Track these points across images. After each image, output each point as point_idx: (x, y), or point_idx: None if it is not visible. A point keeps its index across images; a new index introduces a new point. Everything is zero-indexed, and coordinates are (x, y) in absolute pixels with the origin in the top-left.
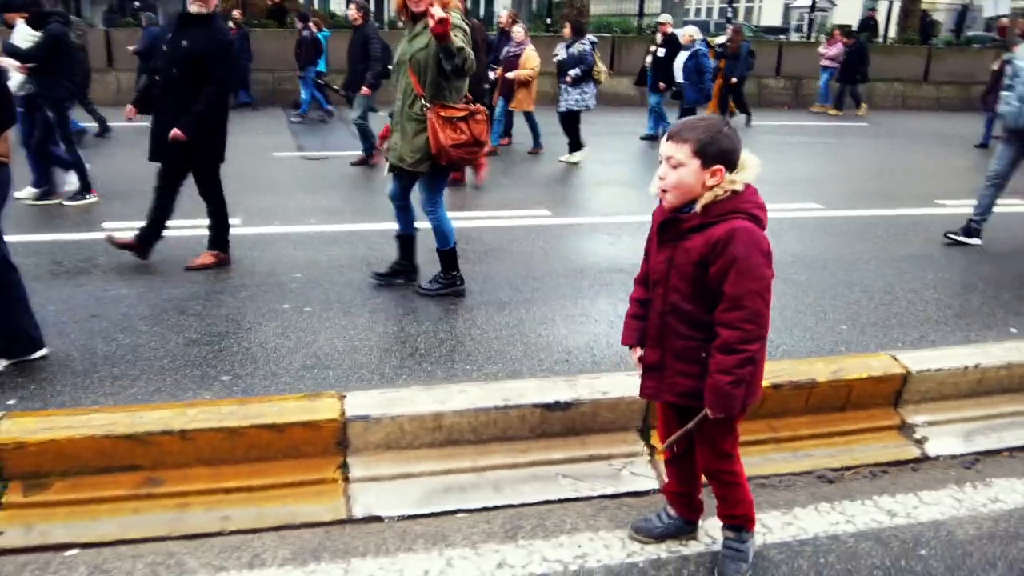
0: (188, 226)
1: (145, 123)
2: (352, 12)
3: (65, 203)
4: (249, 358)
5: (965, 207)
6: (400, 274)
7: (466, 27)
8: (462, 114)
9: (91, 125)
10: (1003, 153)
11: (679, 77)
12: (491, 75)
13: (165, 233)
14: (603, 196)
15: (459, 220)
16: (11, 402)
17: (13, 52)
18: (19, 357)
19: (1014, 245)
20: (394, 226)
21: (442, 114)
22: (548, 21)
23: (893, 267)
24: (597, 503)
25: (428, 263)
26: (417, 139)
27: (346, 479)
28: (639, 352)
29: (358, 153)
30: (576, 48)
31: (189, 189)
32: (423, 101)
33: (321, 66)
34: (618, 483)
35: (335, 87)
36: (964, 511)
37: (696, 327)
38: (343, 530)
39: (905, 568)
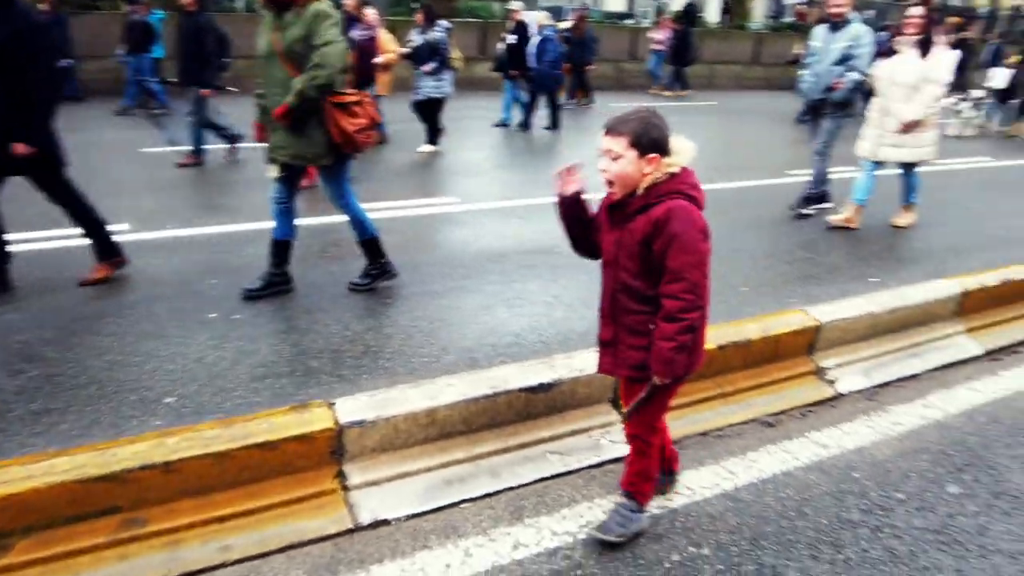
0: (58, 237)
1: None
2: None
3: None
4: (188, 375)
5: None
6: (276, 285)
7: (336, 17)
8: (354, 99)
9: None
10: (812, 128)
11: (532, 63)
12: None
13: (12, 249)
14: (503, 181)
15: (371, 212)
16: None
17: None
18: None
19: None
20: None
21: (336, 102)
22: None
23: (767, 233)
24: (586, 474)
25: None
26: (316, 132)
27: (345, 488)
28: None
29: (240, 145)
30: (430, 35)
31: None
32: None
33: (158, 52)
34: (600, 452)
35: (172, 80)
36: (878, 436)
37: (644, 302)
38: (352, 539)
39: (847, 490)
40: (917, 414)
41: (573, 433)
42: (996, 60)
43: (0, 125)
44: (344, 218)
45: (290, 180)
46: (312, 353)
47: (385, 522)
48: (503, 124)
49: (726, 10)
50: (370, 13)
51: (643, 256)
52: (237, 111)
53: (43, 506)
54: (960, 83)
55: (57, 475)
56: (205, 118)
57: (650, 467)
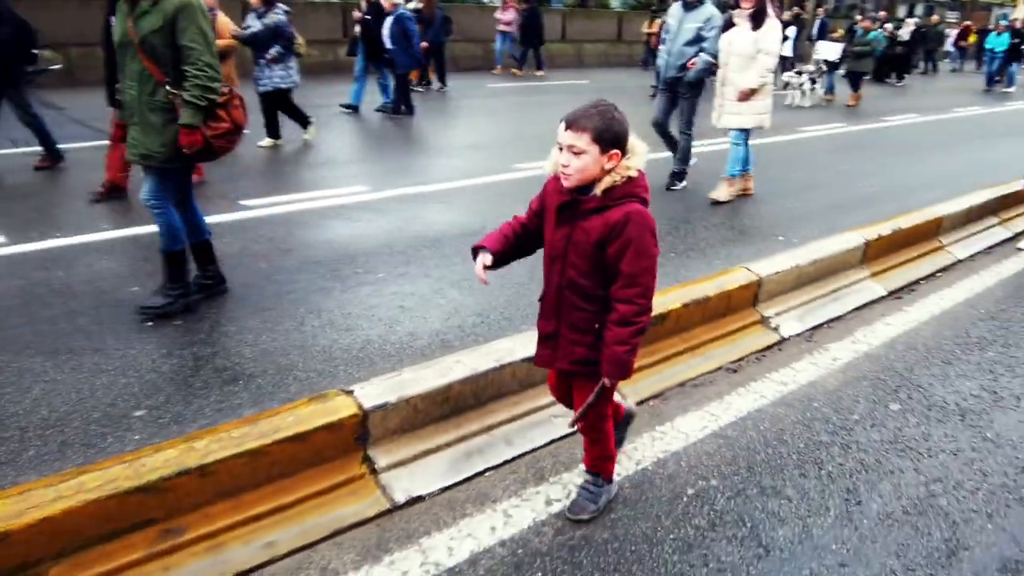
0: None
1: None
2: None
3: None
4: (151, 386)
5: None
6: (209, 287)
7: (204, 8)
8: (221, 100)
9: None
10: (658, 102)
11: (388, 44)
12: None
13: None
14: (416, 165)
15: (280, 206)
16: None
17: None
18: None
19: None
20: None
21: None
22: None
23: (671, 204)
24: None
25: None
26: (168, 130)
27: (374, 471)
28: (488, 260)
29: (79, 146)
30: (269, 19)
31: None
32: (167, 87)
33: None
34: None
35: None
36: (823, 371)
37: (591, 300)
38: (393, 518)
39: (812, 418)
40: (849, 349)
41: None
42: (823, 33)
43: None
44: (264, 215)
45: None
46: (279, 352)
47: (420, 498)
48: (352, 107)
49: None
50: None
51: (595, 256)
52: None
53: (75, 527)
54: (797, 56)
55: (89, 492)
56: (29, 114)
57: (607, 448)
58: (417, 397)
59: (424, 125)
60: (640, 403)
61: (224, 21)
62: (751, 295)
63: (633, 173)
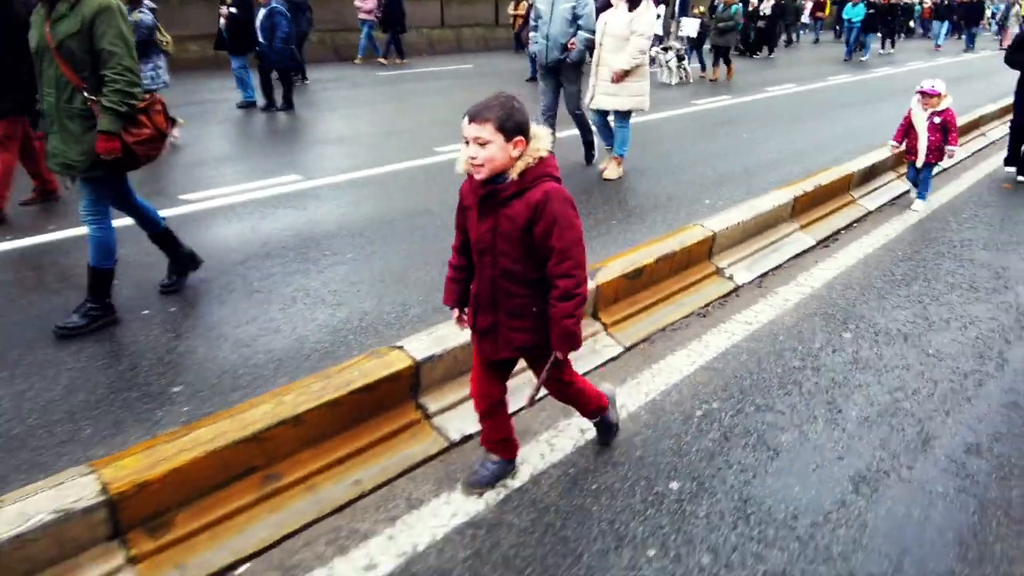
0: None
1: None
2: None
3: None
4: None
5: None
6: (184, 271)
7: (124, 10)
8: (141, 106)
9: None
10: (543, 89)
11: (260, 38)
12: None
13: None
14: (339, 153)
15: (220, 199)
16: None
17: None
18: None
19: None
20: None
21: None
22: None
23: (599, 180)
24: (595, 373)
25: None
26: (87, 137)
27: (427, 416)
28: (457, 313)
29: None
30: (134, 16)
31: None
32: (85, 94)
33: None
34: (599, 355)
35: None
36: (779, 310)
37: (526, 285)
38: (452, 454)
39: (780, 349)
40: (796, 291)
41: None
42: (685, 10)
43: None
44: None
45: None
46: (287, 329)
47: (470, 436)
48: (248, 104)
49: None
50: None
51: (524, 241)
52: None
53: (196, 476)
54: (665, 33)
55: (206, 444)
56: None
57: (588, 397)
58: (456, 348)
59: (325, 116)
60: (631, 347)
61: None
62: (707, 249)
63: (543, 154)
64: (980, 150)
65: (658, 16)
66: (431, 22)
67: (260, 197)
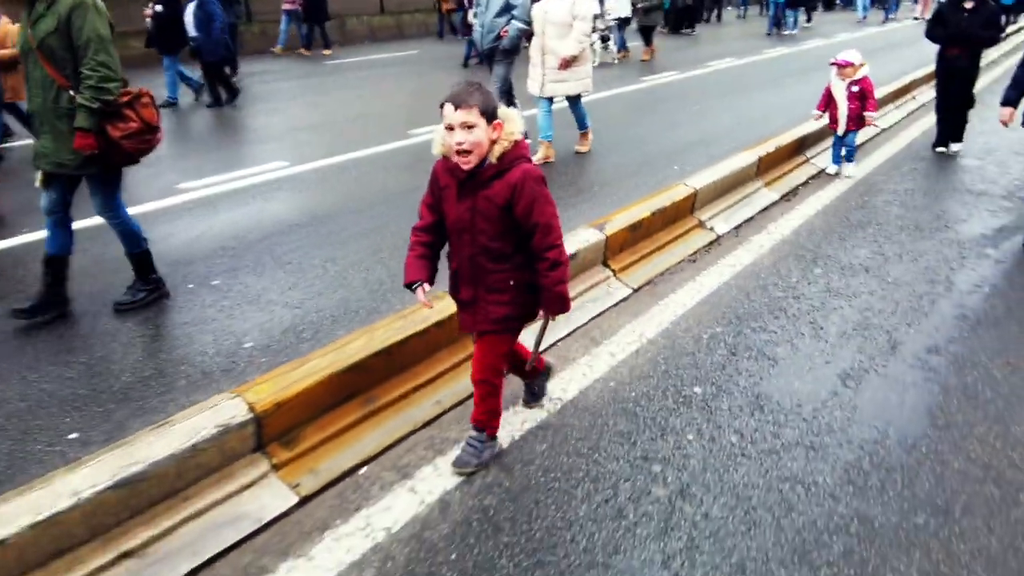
0: None
1: None
2: None
3: None
4: (266, 331)
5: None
6: (51, 306)
7: (100, 6)
8: (125, 99)
9: None
10: (496, 72)
11: (192, 31)
12: None
13: None
14: (317, 140)
15: (216, 186)
16: None
17: None
18: None
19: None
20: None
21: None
22: None
23: (573, 154)
24: (614, 309)
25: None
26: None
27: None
28: (426, 288)
29: None
30: None
31: None
32: (71, 92)
33: None
34: (612, 296)
35: None
36: (756, 254)
37: (504, 260)
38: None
39: (763, 283)
40: (769, 238)
41: (591, 287)
42: None
43: None
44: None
45: (62, 189)
46: (330, 291)
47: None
48: (171, 103)
49: None
50: None
51: (503, 219)
52: None
53: (317, 397)
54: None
55: (322, 372)
56: None
57: (497, 403)
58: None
59: (289, 106)
60: (638, 289)
61: (11, 29)
62: (690, 204)
63: (518, 136)
64: (913, 112)
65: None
66: (371, 9)
67: (253, 183)
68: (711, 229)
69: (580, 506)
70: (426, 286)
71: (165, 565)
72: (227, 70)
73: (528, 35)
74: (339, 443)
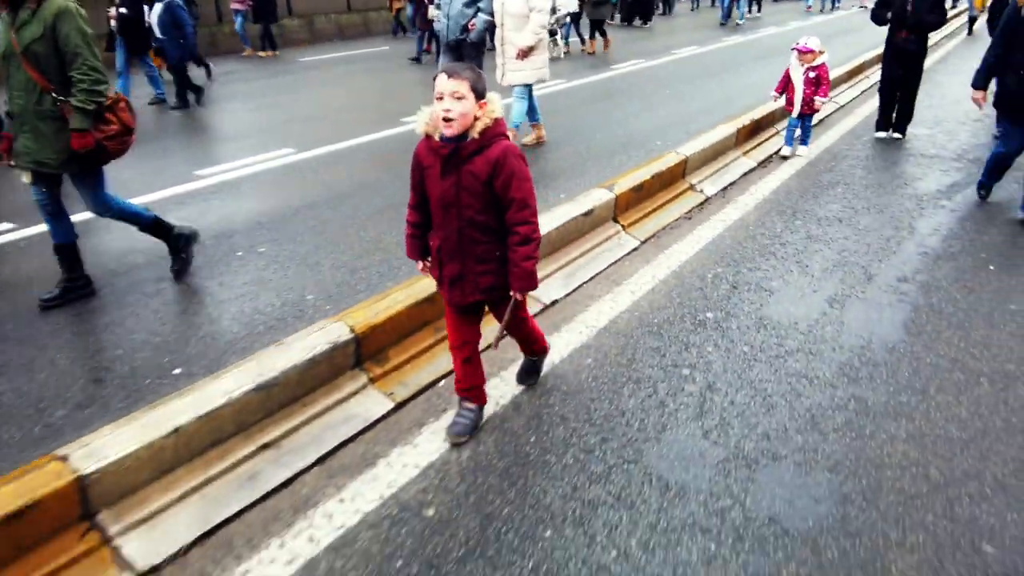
0: None
1: None
2: None
3: None
4: (294, 305)
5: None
6: (73, 290)
7: (82, 13)
8: (107, 103)
9: None
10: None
11: (158, 33)
12: None
13: None
14: (313, 131)
15: (230, 172)
16: None
17: None
18: None
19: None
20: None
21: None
22: None
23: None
24: (627, 257)
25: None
26: (60, 137)
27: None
28: (421, 264)
29: None
30: None
31: None
32: (54, 95)
33: None
34: (623, 247)
35: None
36: (743, 211)
37: (490, 232)
38: (550, 311)
39: (752, 233)
40: (752, 198)
41: (606, 240)
42: None
43: None
44: (227, 179)
45: (48, 184)
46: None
47: (560, 300)
48: (159, 100)
49: None
50: None
51: (486, 193)
52: None
53: (399, 325)
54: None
55: (403, 301)
56: None
57: (537, 333)
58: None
59: (277, 101)
60: (644, 241)
61: None
62: (682, 170)
63: (498, 115)
64: (867, 90)
65: None
66: (338, 7)
67: (261, 169)
68: (701, 191)
69: (628, 400)
70: (422, 262)
71: (296, 455)
72: (203, 70)
73: (494, 27)
74: (419, 362)
